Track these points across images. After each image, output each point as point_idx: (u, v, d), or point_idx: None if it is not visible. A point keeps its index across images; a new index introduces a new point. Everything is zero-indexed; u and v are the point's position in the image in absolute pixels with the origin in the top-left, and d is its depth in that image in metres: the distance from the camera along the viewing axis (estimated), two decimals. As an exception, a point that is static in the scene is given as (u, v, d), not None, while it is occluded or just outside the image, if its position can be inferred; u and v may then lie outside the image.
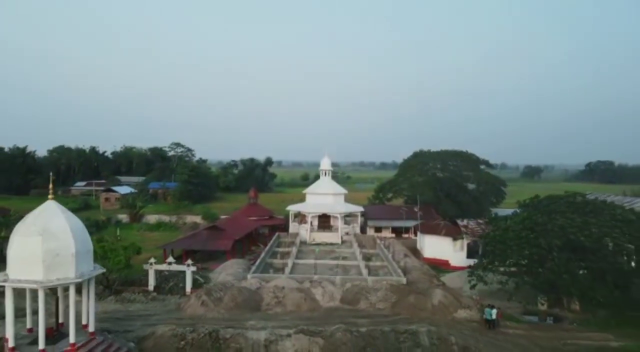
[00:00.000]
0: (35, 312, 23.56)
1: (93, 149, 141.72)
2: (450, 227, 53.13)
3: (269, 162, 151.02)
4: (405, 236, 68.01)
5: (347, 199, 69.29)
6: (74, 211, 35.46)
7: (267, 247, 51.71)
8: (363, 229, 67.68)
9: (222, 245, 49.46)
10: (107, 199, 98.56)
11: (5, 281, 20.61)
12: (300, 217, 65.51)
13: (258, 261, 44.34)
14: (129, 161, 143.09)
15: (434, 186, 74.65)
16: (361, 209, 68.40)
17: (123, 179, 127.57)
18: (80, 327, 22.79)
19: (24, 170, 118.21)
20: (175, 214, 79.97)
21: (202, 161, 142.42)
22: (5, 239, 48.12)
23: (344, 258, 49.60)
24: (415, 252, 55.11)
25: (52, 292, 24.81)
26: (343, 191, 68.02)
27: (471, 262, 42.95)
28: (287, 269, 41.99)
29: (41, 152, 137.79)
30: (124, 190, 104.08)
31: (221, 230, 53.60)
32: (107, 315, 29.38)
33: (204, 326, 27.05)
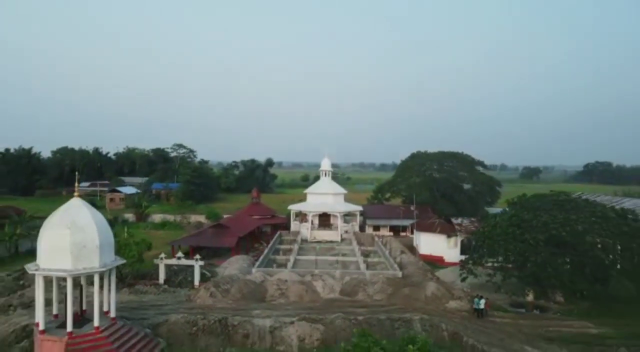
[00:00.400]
0: (58, 301, 25.91)
1: (96, 150, 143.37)
2: (445, 225, 55.13)
3: (269, 163, 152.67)
4: (403, 234, 70.22)
5: (347, 199, 71.69)
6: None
7: (270, 245, 53.94)
8: (362, 228, 69.93)
9: (227, 242, 51.57)
10: (112, 199, 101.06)
11: (37, 270, 22.89)
12: (302, 216, 67.80)
13: (262, 256, 46.58)
14: (131, 162, 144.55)
15: (431, 186, 76.90)
16: (360, 208, 70.74)
17: (126, 179, 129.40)
18: (103, 313, 25.06)
19: (29, 171, 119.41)
20: (179, 213, 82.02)
21: (204, 162, 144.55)
22: (20, 236, 50.62)
23: (344, 255, 51.74)
24: (412, 249, 57.20)
25: (75, 281, 26.98)
26: (343, 190, 70.53)
27: (464, 258, 45.06)
28: (290, 264, 44.22)
29: (45, 153, 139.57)
30: (128, 190, 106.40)
31: (226, 228, 55.62)
32: (122, 305, 31.45)
33: (213, 314, 29.24)
